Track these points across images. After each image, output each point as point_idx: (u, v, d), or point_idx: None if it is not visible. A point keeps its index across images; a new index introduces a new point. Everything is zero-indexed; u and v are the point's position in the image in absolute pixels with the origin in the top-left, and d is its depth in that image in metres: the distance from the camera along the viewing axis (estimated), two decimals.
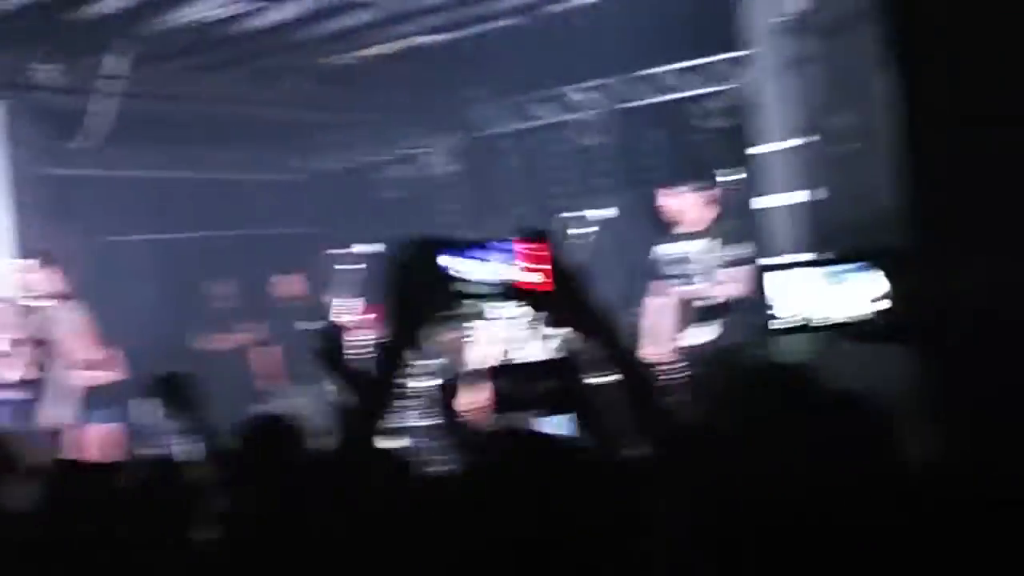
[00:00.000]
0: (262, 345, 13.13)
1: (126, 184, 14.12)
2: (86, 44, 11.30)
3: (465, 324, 9.72)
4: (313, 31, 11.42)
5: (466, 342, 9.85)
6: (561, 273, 2.48)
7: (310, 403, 11.57)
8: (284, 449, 4.32)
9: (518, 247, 2.46)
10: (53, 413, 9.84)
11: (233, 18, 10.87)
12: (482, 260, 2.47)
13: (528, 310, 8.13)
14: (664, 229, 9.62)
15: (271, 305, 13.06)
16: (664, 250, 9.46)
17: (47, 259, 10.29)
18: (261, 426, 4.59)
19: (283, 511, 4.10)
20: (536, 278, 2.45)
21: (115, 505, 4.27)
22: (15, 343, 10.52)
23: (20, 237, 11.55)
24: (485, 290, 2.48)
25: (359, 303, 11.46)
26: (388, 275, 2.46)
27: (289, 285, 13.00)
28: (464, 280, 2.46)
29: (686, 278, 9.20)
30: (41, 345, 10.24)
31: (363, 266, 11.44)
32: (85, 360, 10.17)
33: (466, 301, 2.49)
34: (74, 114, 12.07)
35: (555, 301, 2.52)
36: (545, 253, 2.46)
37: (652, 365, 8.94)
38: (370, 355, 8.94)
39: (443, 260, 2.45)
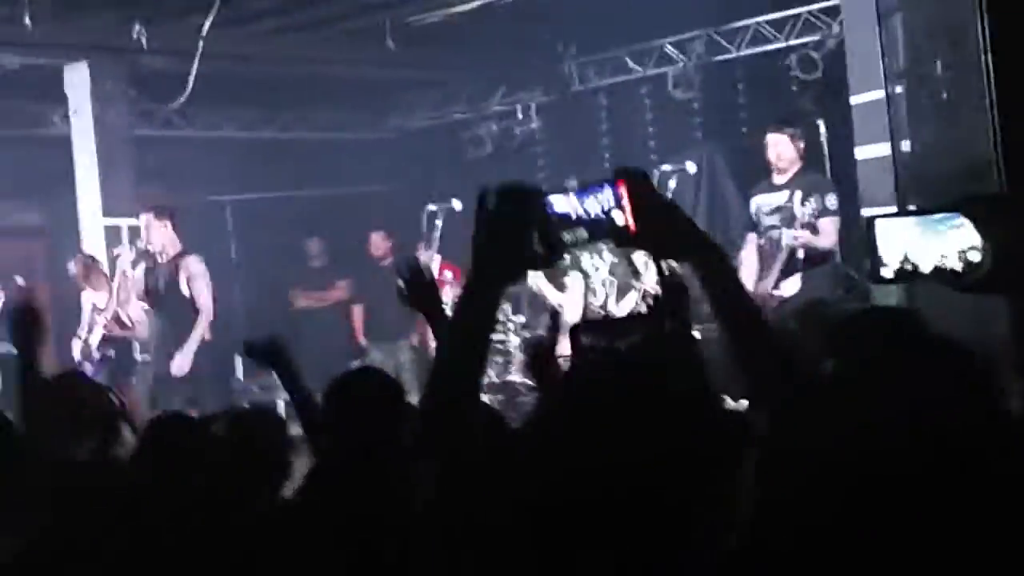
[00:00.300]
0: (355, 302, 13.23)
1: (217, 144, 14.28)
2: (176, 6, 11.41)
3: (560, 275, 9.73)
4: None
5: (559, 296, 9.86)
6: (647, 211, 2.46)
7: (393, 359, 11.71)
8: (380, 403, 4.34)
9: (608, 189, 2.47)
10: (178, 363, 9.92)
11: None
12: (575, 203, 2.48)
13: (623, 254, 8.13)
14: (759, 179, 9.52)
15: (364, 262, 13.15)
16: (759, 200, 9.36)
17: (162, 213, 10.26)
18: (356, 380, 4.62)
19: (375, 466, 4.13)
20: (624, 218, 2.46)
21: (216, 456, 4.35)
22: (128, 300, 10.68)
23: (108, 197, 11.72)
24: (578, 234, 2.49)
25: (438, 259, 11.50)
26: (483, 222, 2.46)
27: (381, 242, 13.07)
28: (558, 224, 2.48)
29: (781, 227, 9.09)
30: (156, 300, 10.35)
31: (444, 222, 11.48)
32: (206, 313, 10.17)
33: (563, 244, 2.50)
34: (165, 76, 12.20)
35: (643, 239, 2.51)
36: (626, 191, 2.46)
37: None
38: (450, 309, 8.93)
39: (537, 206, 2.46)
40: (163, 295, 10.22)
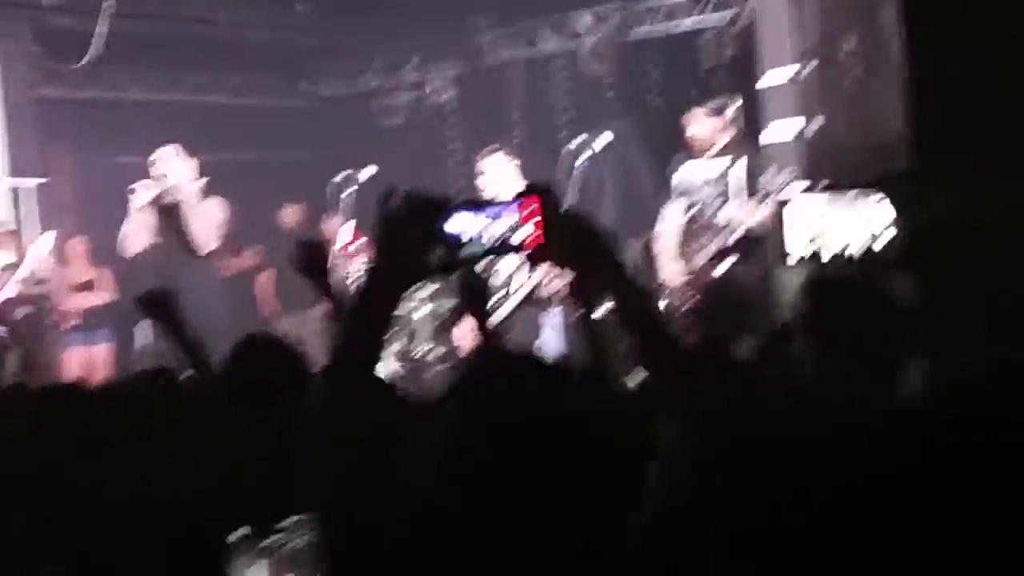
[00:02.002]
0: (264, 270, 13.12)
1: (125, 106, 14.07)
2: None
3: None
4: None
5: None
6: (555, 225, 2.46)
7: (303, 328, 11.60)
8: (278, 368, 4.29)
9: (514, 203, 2.47)
10: None
11: None
12: (478, 217, 2.47)
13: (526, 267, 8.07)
14: (677, 154, 9.48)
15: (272, 230, 13.03)
16: (687, 170, 9.31)
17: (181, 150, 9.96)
18: (255, 345, 4.56)
19: (273, 431, 4.08)
20: (530, 232, 2.45)
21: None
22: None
23: (13, 157, 11.48)
24: (480, 248, 2.49)
25: (352, 227, 11.37)
26: (381, 226, 2.45)
27: (291, 211, 12.98)
28: (460, 239, 2.47)
29: (701, 203, 9.08)
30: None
31: (357, 190, 11.35)
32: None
33: (461, 259, 2.49)
34: (74, 34, 11.97)
35: (550, 254, 2.51)
36: (536, 206, 2.45)
37: (659, 297, 8.89)
38: (360, 280, 8.83)
39: (439, 217, 2.45)
40: (170, 238, 9.92)
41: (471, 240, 2.48)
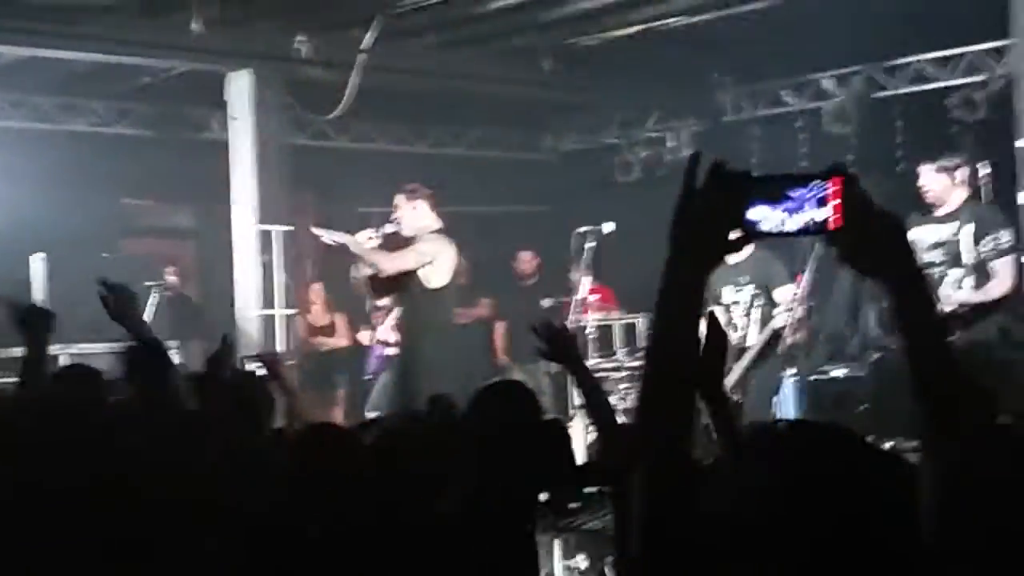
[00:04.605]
0: (498, 320, 13.25)
1: (369, 156, 14.40)
2: (338, 19, 11.54)
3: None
4: (560, 11, 11.44)
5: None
6: (854, 209, 2.37)
7: (537, 382, 11.59)
8: (524, 413, 4.31)
9: (814, 186, 2.39)
10: None
11: None
12: (776, 203, 2.40)
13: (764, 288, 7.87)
14: (918, 213, 9.07)
15: (508, 282, 13.17)
16: (916, 232, 8.86)
17: (413, 194, 9.65)
18: (499, 391, 4.60)
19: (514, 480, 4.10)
20: (828, 214, 2.38)
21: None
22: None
23: (263, 203, 11.81)
24: (775, 224, 2.41)
25: (589, 281, 11.31)
26: (693, 197, 2.38)
27: (528, 261, 13.09)
28: (757, 223, 2.41)
29: (945, 267, 8.63)
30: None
31: (596, 245, 11.31)
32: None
33: (760, 232, 2.42)
34: (324, 86, 12.32)
35: (846, 239, 2.41)
36: (836, 188, 2.38)
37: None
38: (595, 334, 8.78)
39: (743, 189, 2.38)
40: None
41: (771, 215, 2.40)
